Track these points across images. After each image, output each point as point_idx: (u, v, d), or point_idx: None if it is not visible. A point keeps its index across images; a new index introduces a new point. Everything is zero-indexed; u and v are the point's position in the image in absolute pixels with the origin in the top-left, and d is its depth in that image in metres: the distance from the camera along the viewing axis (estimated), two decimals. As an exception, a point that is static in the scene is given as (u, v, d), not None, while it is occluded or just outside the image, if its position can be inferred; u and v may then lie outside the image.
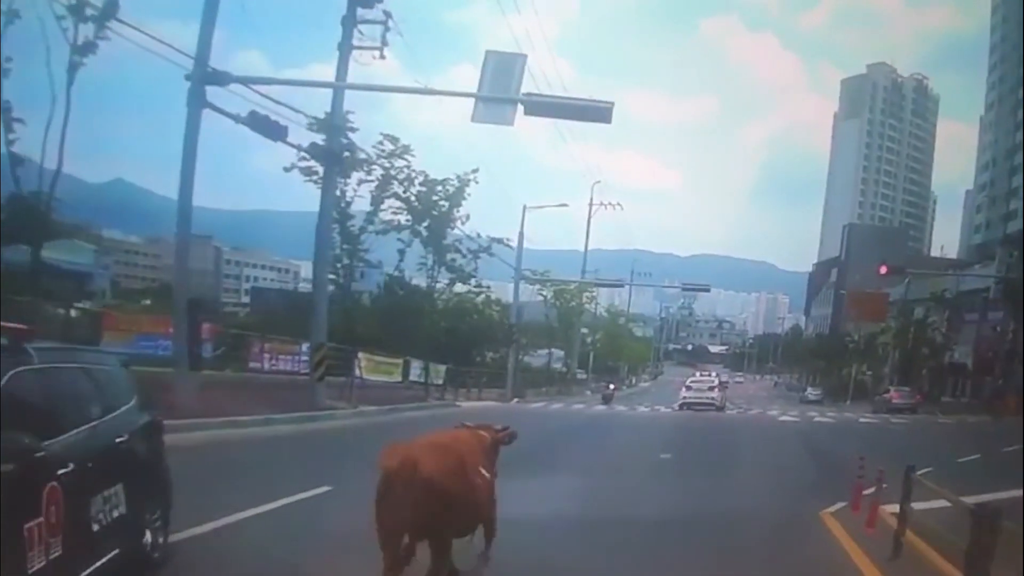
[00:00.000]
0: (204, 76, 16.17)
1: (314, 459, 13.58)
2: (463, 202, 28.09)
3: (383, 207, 24.18)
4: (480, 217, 42.85)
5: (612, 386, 56.60)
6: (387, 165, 23.66)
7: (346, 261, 23.43)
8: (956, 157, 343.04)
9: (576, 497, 10.84)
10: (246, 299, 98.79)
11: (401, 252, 26.25)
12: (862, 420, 34.90)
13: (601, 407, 39.15)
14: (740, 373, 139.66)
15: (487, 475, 6.13)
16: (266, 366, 25.97)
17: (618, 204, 60.64)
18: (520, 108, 16.03)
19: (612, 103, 15.56)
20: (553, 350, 65.37)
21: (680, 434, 22.71)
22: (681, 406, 39.39)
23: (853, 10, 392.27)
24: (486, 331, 52.45)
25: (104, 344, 20.42)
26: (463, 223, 28.78)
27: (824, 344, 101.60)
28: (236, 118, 16.85)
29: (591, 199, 59.22)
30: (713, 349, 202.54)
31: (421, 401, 28.10)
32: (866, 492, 10.02)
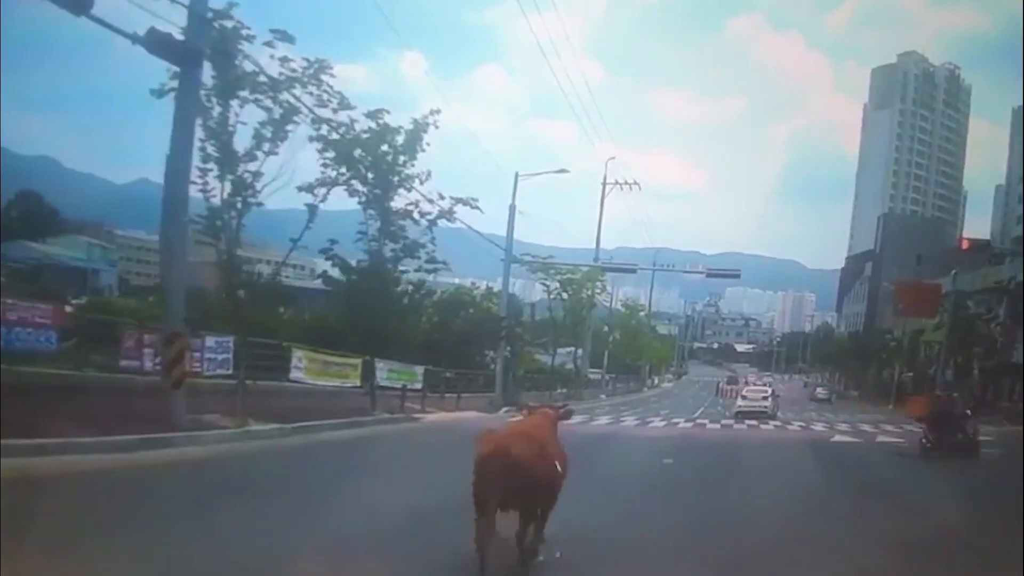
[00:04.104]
0: None
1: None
2: (419, 154, 21.24)
3: (286, 144, 16.50)
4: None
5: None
6: (278, 77, 16.33)
7: (231, 216, 16.30)
8: (983, 154, 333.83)
9: None
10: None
11: (311, 209, 18.82)
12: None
13: (604, 420, 31.71)
14: (768, 373, 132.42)
15: (563, 454, 7.24)
16: (147, 364, 19.37)
17: (635, 184, 54.19)
18: None
19: None
20: (571, 349, 58.58)
21: (705, 474, 15.29)
22: (736, 415, 40.78)
23: (878, 9, 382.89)
24: (483, 327, 46.03)
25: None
26: (421, 182, 21.85)
27: (860, 342, 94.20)
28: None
29: (604, 177, 52.99)
30: (740, 348, 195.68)
31: (362, 414, 21.06)
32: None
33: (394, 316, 26.53)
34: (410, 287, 25.58)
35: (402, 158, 20.96)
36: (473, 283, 58.17)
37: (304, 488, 10.80)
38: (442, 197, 22.49)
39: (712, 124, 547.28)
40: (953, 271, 63.79)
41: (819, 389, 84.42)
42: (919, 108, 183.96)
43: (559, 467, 6.99)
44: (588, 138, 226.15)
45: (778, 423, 34.49)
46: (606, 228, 72.32)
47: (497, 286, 48.05)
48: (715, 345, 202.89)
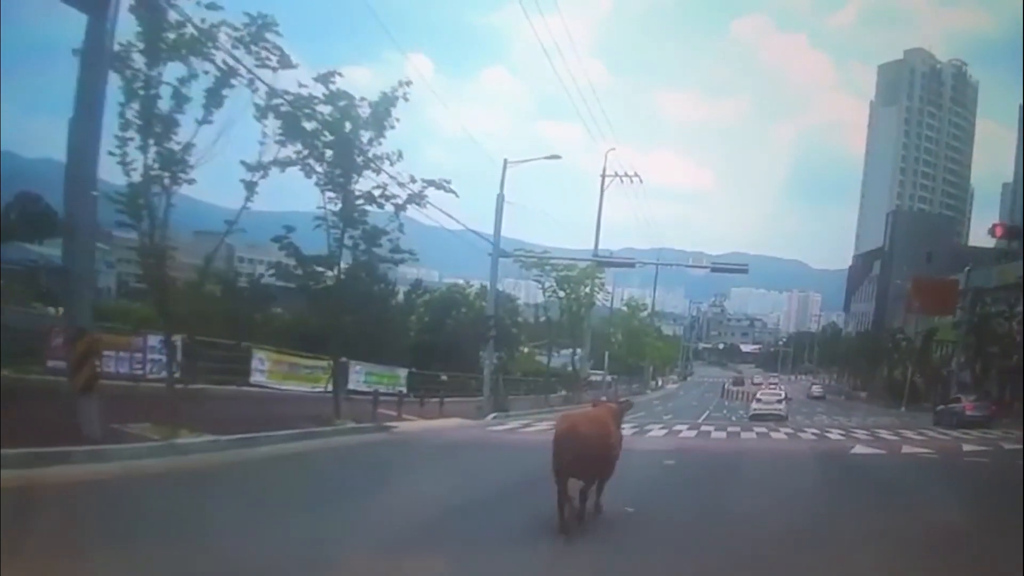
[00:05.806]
0: None
1: None
2: (387, 131, 18.85)
3: (224, 111, 13.94)
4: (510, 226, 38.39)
5: None
6: (209, 29, 13.75)
7: (156, 195, 13.79)
8: (989, 151, 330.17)
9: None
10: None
11: (248, 187, 16.19)
12: (967, 448, 22.76)
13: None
14: (774, 374, 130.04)
15: (620, 437, 9.25)
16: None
17: (636, 176, 51.79)
18: None
19: None
20: (572, 350, 56.20)
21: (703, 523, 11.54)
22: (752, 417, 43.43)
23: (882, 8, 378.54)
24: (476, 327, 43.77)
25: None
26: (392, 163, 19.39)
27: (869, 342, 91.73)
28: None
29: (604, 169, 50.57)
30: (745, 348, 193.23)
31: (323, 423, 18.52)
32: None
33: (370, 314, 24.29)
34: (395, 286, 23.32)
35: (367, 135, 18.55)
36: (468, 282, 55.96)
37: (197, 524, 8.35)
38: (413, 180, 19.92)
39: (717, 124, 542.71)
40: (967, 267, 61.49)
41: (814, 387, 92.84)
42: (926, 105, 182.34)
43: (615, 446, 8.82)
44: (593, 139, 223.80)
45: (790, 430, 31.90)
46: (611, 229, 69.98)
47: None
48: (720, 346, 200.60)
